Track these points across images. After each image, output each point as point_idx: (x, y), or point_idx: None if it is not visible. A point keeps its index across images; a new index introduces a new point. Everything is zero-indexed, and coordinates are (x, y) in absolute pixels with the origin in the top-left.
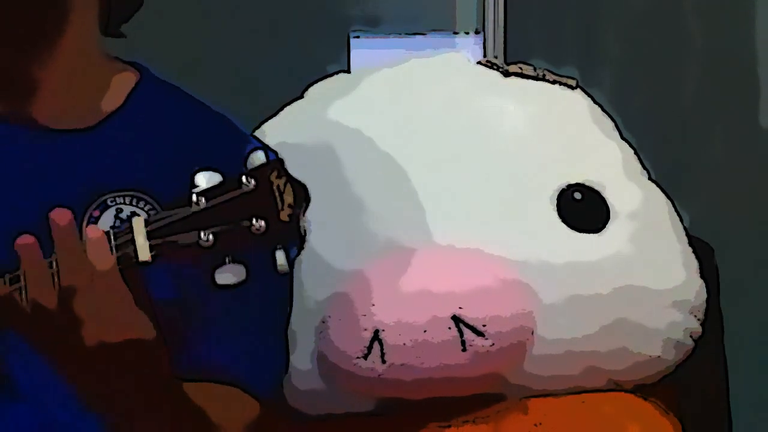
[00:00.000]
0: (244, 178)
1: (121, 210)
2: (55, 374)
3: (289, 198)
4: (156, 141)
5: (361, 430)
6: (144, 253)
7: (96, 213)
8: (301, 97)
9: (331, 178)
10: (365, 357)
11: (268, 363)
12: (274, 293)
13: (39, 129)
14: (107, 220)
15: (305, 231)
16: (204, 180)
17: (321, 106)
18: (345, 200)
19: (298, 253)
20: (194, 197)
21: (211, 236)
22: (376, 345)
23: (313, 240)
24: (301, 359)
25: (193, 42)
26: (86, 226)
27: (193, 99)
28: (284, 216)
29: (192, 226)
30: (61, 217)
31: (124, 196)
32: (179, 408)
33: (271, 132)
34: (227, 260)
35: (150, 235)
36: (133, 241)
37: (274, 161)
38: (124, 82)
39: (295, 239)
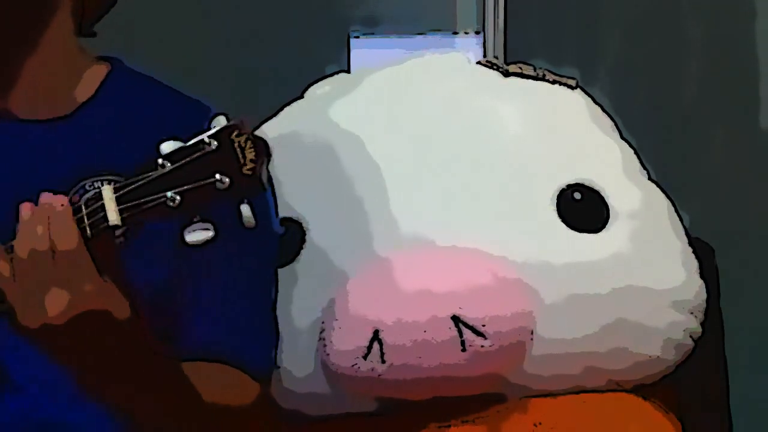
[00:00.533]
0: (206, 139)
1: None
2: (45, 365)
3: (250, 153)
4: (130, 126)
5: (361, 430)
6: (114, 217)
7: (75, 198)
8: (301, 97)
9: (330, 178)
10: (365, 357)
11: (258, 339)
12: (262, 276)
13: (13, 120)
14: None
15: (269, 181)
16: (167, 147)
17: (321, 106)
18: (345, 200)
19: (301, 246)
20: (159, 161)
21: (177, 196)
22: (375, 345)
23: (312, 240)
24: (302, 359)
25: (193, 42)
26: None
27: (165, 86)
28: (246, 170)
29: (159, 187)
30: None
31: (102, 180)
32: (178, 388)
33: (271, 132)
34: (195, 219)
35: (119, 200)
36: (102, 207)
37: (234, 122)
38: (96, 73)
39: (258, 192)
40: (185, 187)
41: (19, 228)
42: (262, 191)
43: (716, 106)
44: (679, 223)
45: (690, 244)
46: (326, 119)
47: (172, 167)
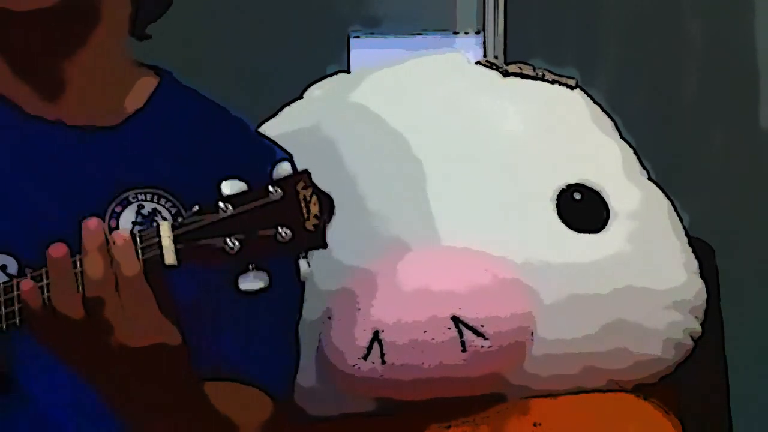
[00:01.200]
0: (270, 188)
1: (143, 206)
2: (65, 379)
3: (314, 208)
4: (176, 140)
5: (361, 430)
6: (170, 257)
7: (118, 209)
8: (301, 97)
9: (330, 178)
10: (365, 357)
11: (280, 364)
12: (288, 297)
13: (64, 127)
14: (129, 216)
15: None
16: (229, 188)
17: (321, 106)
18: (344, 200)
19: None
20: (221, 204)
21: (236, 243)
22: (376, 345)
23: None
24: (302, 359)
25: (193, 42)
26: (108, 222)
27: (211, 102)
28: (310, 225)
29: (218, 231)
30: (91, 223)
31: (145, 193)
32: (199, 408)
33: (271, 132)
34: (251, 267)
35: (176, 239)
36: (159, 244)
37: (301, 172)
38: (146, 84)
39: (319, 248)
40: (245, 235)
41: (86, 249)
42: (323, 247)
43: (716, 106)
44: (679, 223)
45: (690, 244)
46: (326, 119)
47: (234, 212)
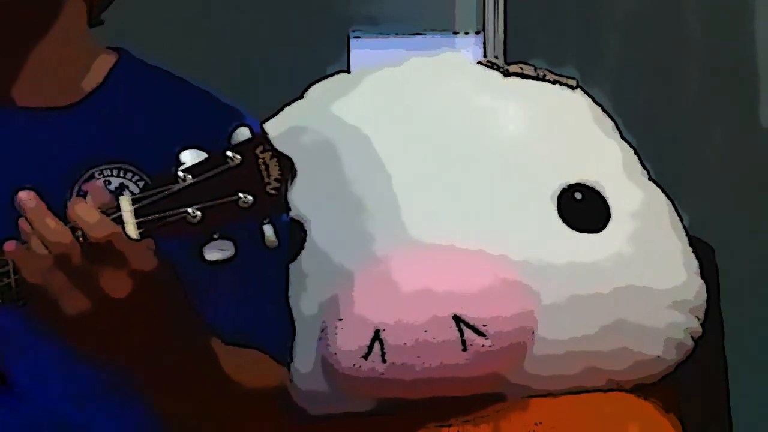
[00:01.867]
0: (229, 153)
1: (109, 182)
2: (51, 366)
3: (275, 171)
4: (138, 115)
5: (361, 430)
6: (132, 231)
7: (85, 187)
8: (301, 97)
9: (331, 178)
10: (366, 357)
11: (275, 328)
12: (269, 264)
13: (21, 109)
14: None
15: (292, 206)
16: (189, 157)
17: (321, 106)
18: (345, 200)
19: (302, 245)
20: (180, 174)
21: (198, 212)
22: (376, 345)
23: (313, 239)
24: (302, 359)
25: (193, 42)
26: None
27: (173, 75)
28: (271, 189)
29: (179, 202)
30: (26, 197)
31: (111, 169)
32: (213, 363)
33: (271, 132)
34: (215, 236)
35: (137, 213)
36: (120, 219)
37: (259, 136)
38: (104, 63)
39: (282, 212)
40: (207, 204)
41: (32, 221)
42: (286, 211)
43: (716, 105)
44: (679, 223)
45: (690, 244)
46: (326, 119)
47: (193, 181)
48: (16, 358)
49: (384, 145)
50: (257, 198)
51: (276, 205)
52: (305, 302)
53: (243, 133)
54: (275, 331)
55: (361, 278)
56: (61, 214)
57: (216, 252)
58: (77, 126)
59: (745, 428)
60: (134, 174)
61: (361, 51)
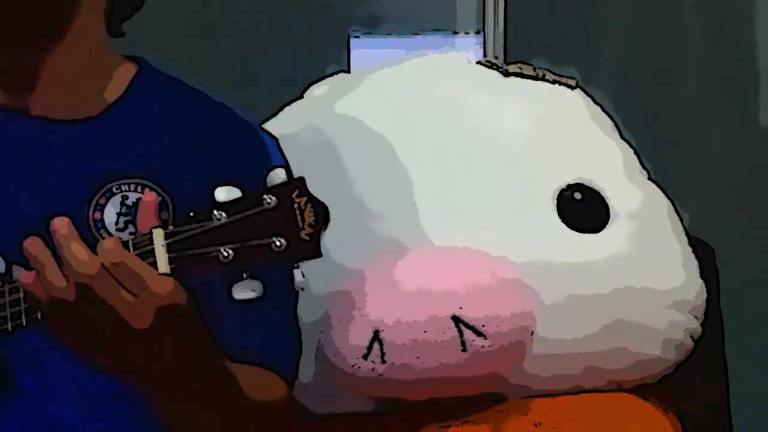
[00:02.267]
0: (265, 195)
1: (127, 197)
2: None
3: (309, 217)
4: (158, 128)
5: (361, 430)
6: (163, 266)
7: (102, 200)
8: (301, 97)
9: (330, 178)
10: (365, 357)
11: (286, 349)
12: (287, 288)
13: (42, 120)
14: (113, 207)
15: (324, 250)
16: (223, 194)
17: (321, 106)
18: (345, 200)
19: None
20: (215, 212)
21: (230, 251)
22: (376, 345)
23: None
24: (302, 359)
25: (193, 42)
26: (92, 214)
27: (192, 89)
28: (304, 235)
29: (212, 240)
30: (59, 224)
31: (129, 184)
32: (224, 382)
33: (271, 132)
34: (245, 275)
35: (170, 248)
36: (152, 252)
37: (296, 180)
38: (124, 74)
39: (312, 257)
40: (240, 244)
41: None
42: (317, 257)
43: (716, 106)
44: (679, 223)
45: (690, 244)
46: (326, 119)
47: (228, 220)
48: (24, 363)
49: (384, 145)
50: (290, 242)
51: (308, 251)
52: (305, 302)
53: (279, 176)
54: (283, 351)
55: (360, 278)
56: (79, 230)
57: (245, 291)
58: (97, 139)
59: (745, 428)
60: (152, 189)
61: (361, 51)
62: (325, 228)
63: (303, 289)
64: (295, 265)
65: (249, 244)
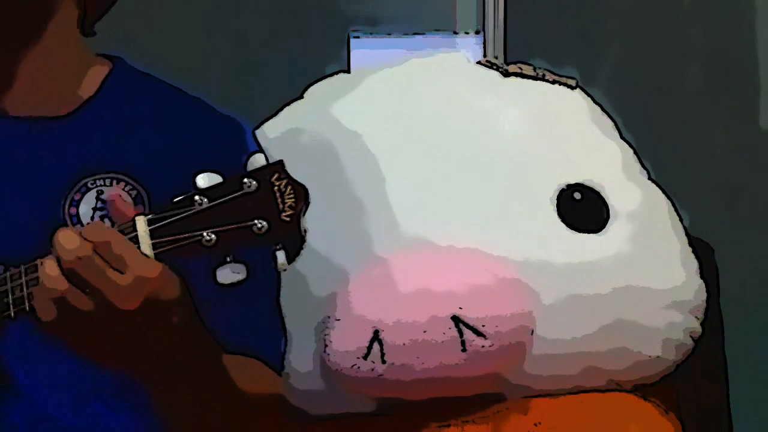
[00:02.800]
0: (245, 180)
1: (102, 192)
2: (53, 369)
3: (290, 199)
4: (132, 123)
5: (361, 430)
6: (148, 251)
7: (77, 196)
8: (301, 97)
9: (330, 178)
10: (365, 357)
11: (272, 338)
12: (270, 276)
13: (15, 118)
14: (89, 202)
15: (305, 231)
16: (204, 181)
17: (321, 106)
18: (344, 200)
19: (298, 253)
20: (196, 197)
21: (213, 235)
22: (375, 345)
23: (312, 240)
24: (301, 359)
25: (193, 42)
26: (68, 209)
27: (166, 84)
28: (285, 216)
29: (194, 225)
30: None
31: (104, 179)
32: (218, 373)
33: (271, 132)
34: (228, 259)
35: (153, 234)
36: (136, 238)
37: (275, 163)
38: (98, 71)
39: (295, 239)
40: (222, 228)
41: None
42: (299, 238)
43: (716, 106)
44: (679, 223)
45: (690, 244)
46: (326, 119)
47: (209, 205)
48: (19, 360)
49: (383, 145)
50: (272, 224)
51: (290, 232)
52: (303, 303)
53: (259, 160)
54: (271, 341)
55: (359, 278)
56: (55, 226)
57: (229, 275)
58: (71, 135)
59: (745, 428)
60: (127, 183)
61: (361, 51)
62: (306, 209)
63: (285, 270)
64: (277, 246)
65: (231, 228)
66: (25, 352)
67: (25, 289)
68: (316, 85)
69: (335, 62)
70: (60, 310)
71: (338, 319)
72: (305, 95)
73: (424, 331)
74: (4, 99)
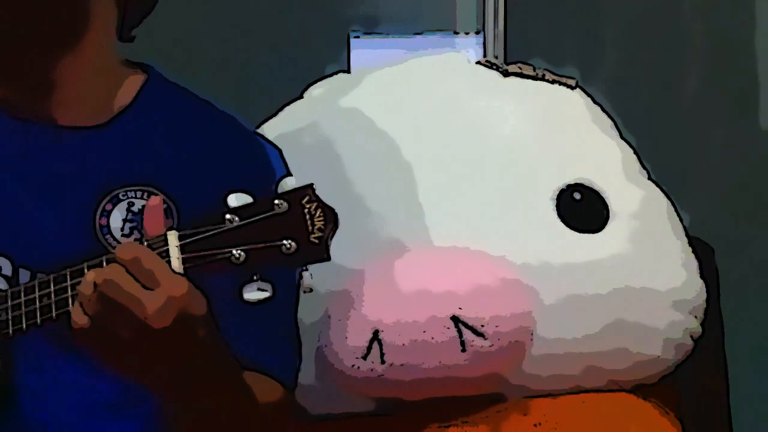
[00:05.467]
0: (276, 201)
1: (133, 204)
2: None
3: (319, 221)
4: (164, 137)
5: (361, 430)
6: (177, 265)
7: (108, 207)
8: (301, 97)
9: (330, 178)
10: (365, 357)
11: (286, 357)
12: (289, 294)
13: (54, 127)
14: (119, 213)
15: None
16: (235, 201)
17: (321, 106)
18: (345, 200)
19: None
20: (228, 215)
21: (242, 253)
22: (375, 345)
23: None
24: (302, 360)
25: (193, 42)
26: (99, 219)
27: (198, 98)
28: (314, 238)
29: (225, 242)
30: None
31: (135, 191)
32: (240, 393)
33: (271, 132)
34: (255, 277)
35: (183, 249)
36: (167, 253)
37: (306, 186)
38: (133, 82)
39: (322, 260)
40: (251, 246)
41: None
42: (326, 260)
43: (716, 106)
44: (679, 223)
45: (690, 244)
46: (326, 119)
47: (240, 223)
48: (26, 368)
49: (383, 145)
50: (300, 245)
51: (317, 254)
52: (303, 303)
53: (290, 183)
54: (285, 360)
55: (360, 278)
56: (85, 235)
57: (255, 293)
58: (105, 146)
59: (746, 428)
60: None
61: (361, 51)
62: (335, 232)
63: (311, 290)
64: (305, 267)
65: (260, 246)
66: (37, 360)
67: (53, 297)
68: (316, 85)
69: (335, 62)
70: (92, 322)
71: (338, 319)
72: (305, 95)
73: (424, 331)
74: (41, 107)
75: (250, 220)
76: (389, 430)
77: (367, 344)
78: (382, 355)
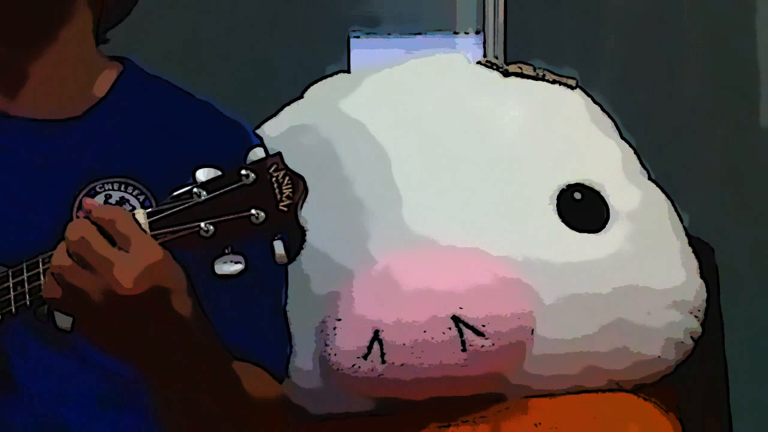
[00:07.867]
0: (243, 171)
1: (110, 196)
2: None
3: (287, 189)
4: (141, 128)
5: (361, 430)
6: None
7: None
8: (301, 97)
9: (330, 178)
10: (365, 357)
11: (275, 344)
12: (273, 279)
13: (25, 120)
14: None
15: (304, 222)
16: (204, 175)
17: (321, 106)
18: (345, 200)
19: (300, 249)
20: (195, 189)
21: (211, 227)
22: (375, 345)
23: (312, 240)
24: (302, 359)
25: (193, 42)
26: (76, 212)
27: (176, 87)
28: (283, 206)
29: (193, 217)
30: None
31: (112, 183)
32: (232, 380)
33: (271, 132)
34: (227, 250)
35: (152, 226)
36: None
37: (273, 155)
38: (109, 74)
39: (293, 229)
40: (220, 219)
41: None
42: (297, 228)
43: (716, 106)
44: (679, 223)
45: (690, 244)
46: (326, 119)
47: (207, 197)
48: (20, 359)
49: (383, 145)
50: (269, 214)
51: (287, 222)
52: (304, 303)
53: (257, 153)
54: (273, 347)
55: (360, 278)
56: (63, 229)
57: (227, 266)
58: (80, 138)
59: (746, 428)
60: (135, 188)
61: (361, 51)
62: (305, 199)
63: (284, 262)
64: (276, 237)
65: (228, 218)
66: (25, 349)
67: (26, 285)
68: (316, 85)
69: (335, 62)
70: (64, 290)
71: (339, 319)
72: (305, 95)
73: (425, 331)
74: (16, 101)
75: (217, 192)
76: (389, 430)
77: (367, 344)
78: (382, 355)
